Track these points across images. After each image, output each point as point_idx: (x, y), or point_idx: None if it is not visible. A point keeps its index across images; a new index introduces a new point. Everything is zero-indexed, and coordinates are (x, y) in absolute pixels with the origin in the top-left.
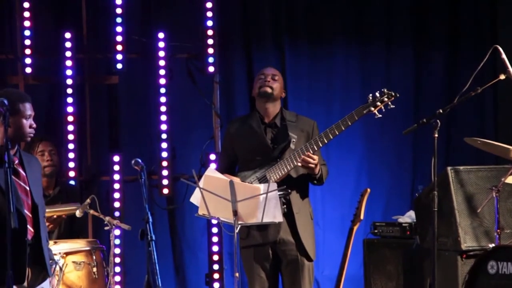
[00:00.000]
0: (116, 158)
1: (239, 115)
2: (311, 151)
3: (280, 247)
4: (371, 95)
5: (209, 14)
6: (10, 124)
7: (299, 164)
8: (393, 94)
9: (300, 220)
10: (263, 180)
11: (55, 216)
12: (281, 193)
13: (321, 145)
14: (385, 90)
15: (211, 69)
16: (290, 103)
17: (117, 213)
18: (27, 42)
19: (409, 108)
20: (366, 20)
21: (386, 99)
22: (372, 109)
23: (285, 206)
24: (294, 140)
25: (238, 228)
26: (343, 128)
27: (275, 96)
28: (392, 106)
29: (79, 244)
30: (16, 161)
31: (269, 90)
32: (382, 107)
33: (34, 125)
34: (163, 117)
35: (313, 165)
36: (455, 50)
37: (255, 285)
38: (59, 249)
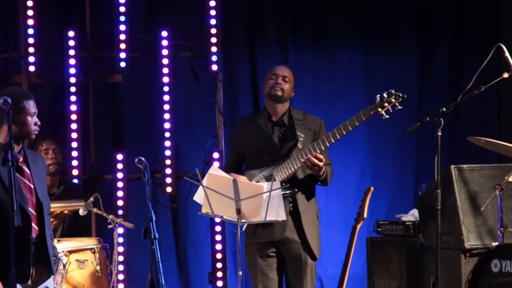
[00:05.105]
0: (120, 157)
1: (242, 113)
2: (318, 151)
3: (284, 245)
4: (378, 95)
5: (213, 12)
6: (15, 122)
7: (304, 164)
8: (401, 95)
9: (306, 219)
10: (269, 179)
11: (58, 212)
12: (288, 192)
13: (328, 145)
14: (393, 91)
15: (214, 67)
16: (293, 101)
17: (120, 212)
18: (31, 40)
19: (413, 107)
20: (370, 19)
21: (393, 100)
22: (380, 110)
23: (291, 204)
24: (301, 139)
25: (245, 226)
26: (350, 129)
27: (285, 98)
28: (399, 107)
29: (83, 242)
30: (21, 159)
31: (279, 93)
32: (390, 108)
33: (39, 123)
34: (167, 116)
35: (317, 167)
36: (458, 49)
37: (258, 282)
38: (62, 248)
